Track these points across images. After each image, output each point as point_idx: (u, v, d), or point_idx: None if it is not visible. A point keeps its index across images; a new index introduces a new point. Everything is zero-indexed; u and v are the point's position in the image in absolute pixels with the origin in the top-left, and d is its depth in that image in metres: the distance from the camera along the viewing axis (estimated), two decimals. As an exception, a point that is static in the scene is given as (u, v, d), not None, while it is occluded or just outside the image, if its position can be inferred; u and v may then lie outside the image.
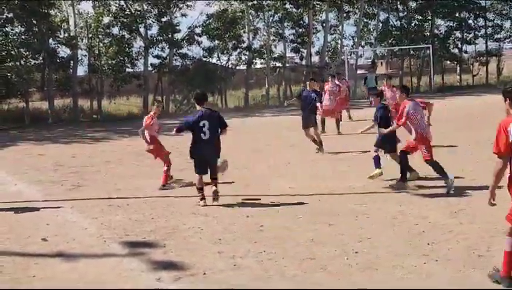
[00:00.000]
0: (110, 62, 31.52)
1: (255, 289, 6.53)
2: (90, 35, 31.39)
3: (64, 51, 31.33)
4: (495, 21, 42.55)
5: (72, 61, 31.29)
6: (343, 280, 6.70)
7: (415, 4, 40.77)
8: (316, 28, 39.10)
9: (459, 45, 42.11)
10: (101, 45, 31.74)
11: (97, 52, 31.56)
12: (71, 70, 31.44)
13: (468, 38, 41.99)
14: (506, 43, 43.59)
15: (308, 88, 17.32)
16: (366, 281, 6.63)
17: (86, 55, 31.90)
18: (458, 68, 42.76)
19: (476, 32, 42.22)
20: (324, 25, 38.54)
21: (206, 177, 10.94)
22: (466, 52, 42.75)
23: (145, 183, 12.99)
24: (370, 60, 39.97)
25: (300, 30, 37.64)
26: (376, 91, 25.00)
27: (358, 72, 38.74)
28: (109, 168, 15.42)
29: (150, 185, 12.82)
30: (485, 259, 7.23)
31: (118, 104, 34.04)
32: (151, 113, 13.39)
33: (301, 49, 37.94)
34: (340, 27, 39.86)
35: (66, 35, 31.30)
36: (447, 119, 23.39)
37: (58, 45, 31.06)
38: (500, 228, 8.46)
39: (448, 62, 43.61)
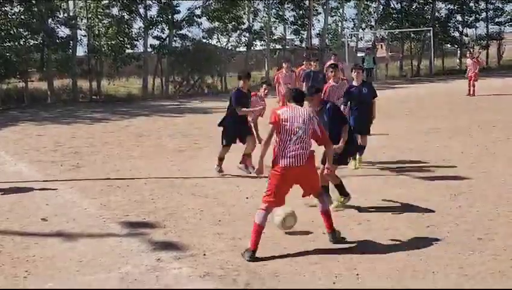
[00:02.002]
0: (109, 43, 31.40)
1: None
2: (89, 16, 31.26)
3: (63, 31, 31.20)
4: (496, 4, 42.41)
5: (71, 42, 31.17)
6: (342, 262, 6.72)
7: (415, -14, 40.62)
8: (316, 10, 39.01)
9: (460, 28, 42.02)
10: (101, 25, 31.62)
11: (96, 33, 31.45)
12: (70, 51, 31.33)
13: (469, 22, 41.89)
14: (507, 27, 43.49)
15: (313, 68, 17.32)
16: (366, 264, 6.64)
17: (85, 36, 31.78)
18: (458, 52, 42.67)
19: (477, 16, 42.14)
20: (325, 7, 38.41)
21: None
22: (467, 35, 42.67)
23: (145, 164, 13.00)
24: (370, 43, 39.89)
25: (301, 12, 37.53)
26: (372, 73, 24.84)
27: (359, 54, 38.66)
28: (109, 148, 15.41)
29: (150, 166, 12.84)
30: (484, 242, 7.24)
31: (117, 86, 34.00)
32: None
33: (301, 32, 37.85)
34: (340, 9, 39.74)
35: (66, 15, 31.16)
36: (447, 102, 23.41)
37: (58, 25, 30.88)
38: (500, 212, 8.50)
39: (449, 45, 43.52)
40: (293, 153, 7.25)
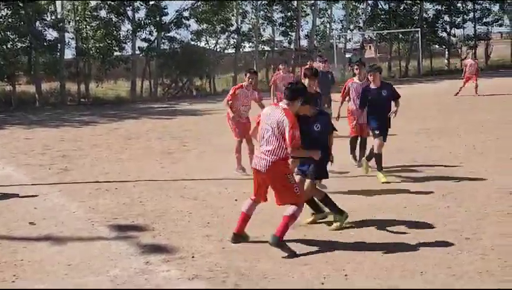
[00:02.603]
0: (97, 45, 31.36)
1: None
2: (77, 18, 31.21)
3: (51, 34, 31.14)
4: (483, 4, 42.63)
5: (59, 45, 31.07)
6: (331, 262, 6.72)
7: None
8: (304, 11, 39.10)
9: (448, 29, 42.21)
10: (89, 28, 31.58)
11: (84, 36, 31.38)
12: (58, 54, 31.24)
13: (456, 22, 42.10)
14: (494, 27, 43.80)
15: (321, 68, 17.41)
16: (354, 264, 6.65)
17: (73, 38, 31.71)
18: (446, 52, 42.86)
19: (465, 16, 42.35)
20: (313, 8, 38.48)
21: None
22: (454, 36, 42.88)
23: (134, 167, 12.97)
24: (358, 44, 40.02)
25: (289, 14, 37.58)
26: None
27: (347, 55, 38.78)
28: (97, 151, 15.36)
29: (139, 168, 12.81)
30: (472, 242, 7.26)
31: (106, 88, 33.93)
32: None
33: (290, 33, 37.91)
34: (329, 10, 39.83)
35: (53, 18, 31.08)
36: (435, 103, 23.49)
37: (45, 28, 30.81)
38: (489, 211, 8.53)
39: (437, 46, 43.71)
40: (260, 155, 7.17)
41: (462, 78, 26.03)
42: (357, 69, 12.27)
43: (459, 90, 25.36)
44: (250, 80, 11.85)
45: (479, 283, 6.06)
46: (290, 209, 7.22)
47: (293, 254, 6.99)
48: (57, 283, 6.48)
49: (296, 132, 6.95)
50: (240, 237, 7.51)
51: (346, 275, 6.36)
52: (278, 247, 7.02)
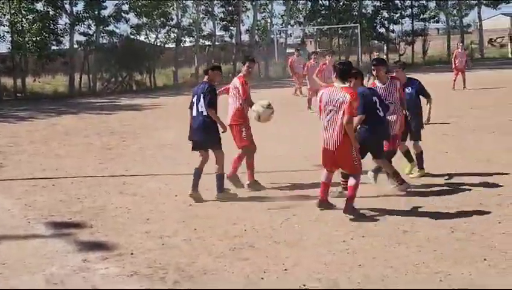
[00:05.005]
0: (34, 39, 30.72)
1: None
2: (12, 11, 30.47)
3: (-16, 28, 30.38)
4: (420, 1, 43.55)
5: (-7, 38, 30.38)
6: (270, 257, 6.74)
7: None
8: (245, 6, 39.09)
9: (386, 25, 42.93)
10: (24, 21, 30.89)
11: (20, 29, 30.70)
12: (-7, 48, 30.55)
13: (394, 18, 42.85)
14: (431, 23, 44.83)
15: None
16: (293, 259, 6.68)
17: (8, 32, 30.99)
18: (385, 47, 43.60)
19: (403, 12, 43.14)
20: (253, 3, 38.52)
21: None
22: (393, 31, 43.66)
23: (72, 163, 12.76)
24: (299, 39, 40.30)
25: (230, 8, 37.55)
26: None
27: (288, 50, 38.98)
28: (34, 147, 15.05)
29: (77, 164, 12.60)
30: (410, 234, 7.38)
31: (43, 83, 33.28)
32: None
33: (231, 28, 37.89)
34: (269, 5, 39.94)
35: (-13, 11, 30.34)
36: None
37: (-22, 22, 30.06)
38: (425, 205, 8.69)
39: (376, 41, 44.43)
40: (328, 135, 8.06)
41: (453, 70, 25.36)
42: (374, 69, 9.92)
43: (464, 83, 24.78)
44: (250, 69, 10.16)
45: (414, 274, 6.17)
46: (351, 180, 8.23)
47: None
48: (-10, 282, 6.33)
49: (355, 103, 7.97)
50: (324, 204, 8.47)
51: (285, 270, 6.38)
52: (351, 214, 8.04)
